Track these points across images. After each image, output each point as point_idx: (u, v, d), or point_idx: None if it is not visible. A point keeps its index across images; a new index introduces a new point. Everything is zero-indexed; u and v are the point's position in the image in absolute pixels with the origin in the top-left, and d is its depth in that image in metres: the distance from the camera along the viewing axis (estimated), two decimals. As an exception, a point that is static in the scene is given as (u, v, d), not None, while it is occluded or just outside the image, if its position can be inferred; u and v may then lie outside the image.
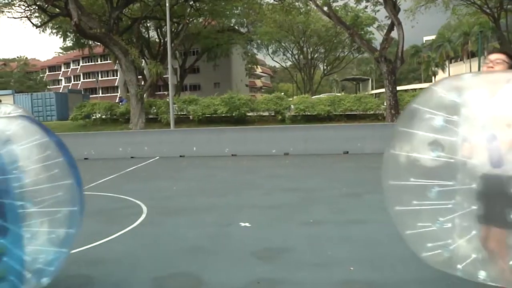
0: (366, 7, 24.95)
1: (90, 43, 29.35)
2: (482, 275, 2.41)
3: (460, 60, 56.26)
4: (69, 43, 32.55)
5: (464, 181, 2.38)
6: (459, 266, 2.48)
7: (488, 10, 26.65)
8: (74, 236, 2.88)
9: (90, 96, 43.20)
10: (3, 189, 2.49)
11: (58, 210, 2.75)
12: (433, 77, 58.75)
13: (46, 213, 2.69)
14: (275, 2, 26.51)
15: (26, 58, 71.90)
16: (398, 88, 22.07)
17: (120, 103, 27.26)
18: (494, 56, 2.83)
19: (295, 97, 25.21)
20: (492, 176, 2.29)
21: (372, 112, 19.10)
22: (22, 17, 24.23)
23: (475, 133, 2.36)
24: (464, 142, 2.37)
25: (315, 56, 53.15)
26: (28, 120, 2.82)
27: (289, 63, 56.46)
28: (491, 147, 2.30)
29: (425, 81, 57.08)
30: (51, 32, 28.75)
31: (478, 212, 2.37)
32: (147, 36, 33.22)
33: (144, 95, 22.06)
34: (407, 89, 37.71)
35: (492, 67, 2.78)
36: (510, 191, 2.22)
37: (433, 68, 57.40)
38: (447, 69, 57.09)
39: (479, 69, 18.07)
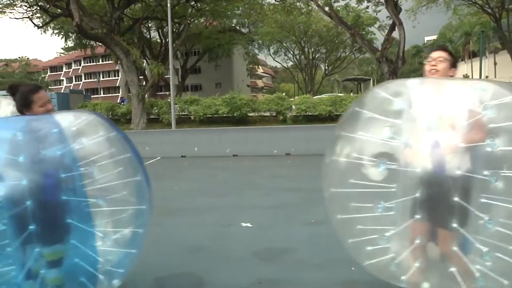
0: (367, 7, 25.04)
1: (92, 43, 29.39)
2: (425, 286, 2.40)
3: (462, 60, 56.19)
4: (70, 43, 32.61)
5: (407, 188, 2.34)
6: (403, 278, 2.46)
7: (489, 10, 26.67)
8: (143, 236, 2.76)
9: (92, 96, 43.25)
10: (70, 187, 2.40)
11: (127, 208, 2.63)
12: (434, 77, 58.71)
13: (116, 211, 2.58)
14: (276, 2, 26.57)
15: (28, 58, 71.99)
16: (400, 88, 22.01)
17: (122, 104, 27.29)
18: (436, 54, 2.84)
19: (296, 97, 25.19)
20: (434, 183, 2.27)
21: (373, 112, 19.10)
22: (24, 17, 24.35)
23: (418, 138, 2.34)
24: (406, 148, 2.34)
25: (317, 56, 53.22)
26: (95, 115, 2.72)
27: (290, 63, 56.62)
28: (434, 153, 2.29)
29: (426, 81, 57.00)
30: (53, 32, 28.89)
31: (417, 213, 2.34)
32: (148, 36, 33.28)
33: (146, 96, 22.08)
34: (409, 89, 37.59)
35: (435, 65, 2.79)
36: (451, 198, 2.21)
37: (434, 68, 57.34)
38: (449, 69, 56.98)
39: (480, 70, 18.02)
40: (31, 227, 2.22)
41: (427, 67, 2.86)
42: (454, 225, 2.23)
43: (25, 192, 2.21)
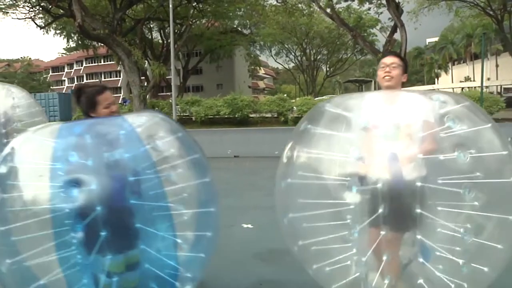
0: (369, 8, 25.09)
1: (94, 44, 29.45)
2: None
3: (463, 62, 56.24)
4: (72, 44, 32.68)
5: (369, 204, 2.26)
6: None
7: (491, 12, 26.64)
8: (213, 240, 2.63)
9: (93, 97, 43.18)
10: (139, 190, 2.25)
11: (196, 211, 2.51)
12: (436, 79, 58.69)
13: (185, 214, 2.45)
14: (278, 4, 26.58)
15: (30, 58, 72.19)
16: (401, 90, 22.00)
17: (124, 104, 27.32)
18: (390, 60, 2.77)
19: (297, 98, 25.23)
20: (395, 195, 2.20)
21: (375, 114, 19.10)
22: (26, 18, 24.44)
23: (375, 151, 2.27)
24: (360, 161, 2.27)
25: (318, 57, 53.22)
26: (160, 115, 2.60)
27: (292, 64, 56.67)
28: (393, 166, 2.22)
29: (427, 83, 57.05)
30: (55, 33, 28.96)
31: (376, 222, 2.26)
32: (150, 37, 33.32)
33: (147, 96, 22.10)
34: (410, 91, 37.57)
35: (389, 72, 2.73)
36: (413, 211, 2.16)
37: (436, 70, 57.37)
38: (450, 71, 57.03)
39: (482, 72, 18.02)
40: (102, 233, 2.10)
41: (380, 74, 2.78)
42: (418, 236, 2.20)
43: (95, 197, 2.10)
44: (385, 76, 2.74)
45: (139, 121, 2.42)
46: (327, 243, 2.42)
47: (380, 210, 2.18)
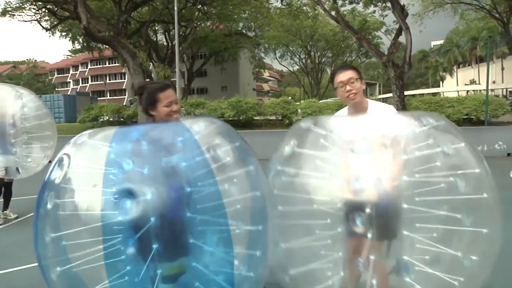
0: (374, 11, 25.00)
1: (99, 46, 29.62)
2: None
3: (468, 65, 56.10)
4: (78, 46, 32.85)
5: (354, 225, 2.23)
6: None
7: (497, 15, 26.54)
8: (262, 259, 2.40)
9: (98, 98, 43.56)
10: (192, 201, 2.08)
11: (246, 227, 2.28)
12: (441, 82, 58.56)
13: (241, 229, 2.24)
14: (283, 7, 26.64)
15: (35, 60, 72.71)
16: (406, 93, 22.01)
17: (131, 106, 27.42)
18: (345, 77, 2.67)
19: (302, 101, 25.21)
20: (381, 216, 2.17)
21: (379, 117, 19.01)
22: (32, 20, 24.55)
23: (359, 173, 2.23)
24: (345, 184, 2.22)
25: (323, 60, 53.19)
26: (218, 121, 2.49)
27: (296, 67, 56.64)
28: (379, 189, 2.17)
29: (432, 86, 56.93)
30: (61, 35, 29.09)
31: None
32: (155, 39, 33.42)
33: (152, 98, 22.13)
34: (415, 94, 37.61)
35: (350, 89, 2.65)
36: (397, 229, 2.15)
37: (441, 73, 57.27)
38: (455, 74, 56.90)
39: (487, 75, 17.95)
40: (154, 246, 1.97)
41: (342, 94, 2.70)
42: (405, 257, 2.19)
43: (150, 208, 1.96)
44: (349, 95, 2.67)
45: (197, 127, 2.28)
46: (319, 269, 2.37)
47: (369, 235, 2.16)
